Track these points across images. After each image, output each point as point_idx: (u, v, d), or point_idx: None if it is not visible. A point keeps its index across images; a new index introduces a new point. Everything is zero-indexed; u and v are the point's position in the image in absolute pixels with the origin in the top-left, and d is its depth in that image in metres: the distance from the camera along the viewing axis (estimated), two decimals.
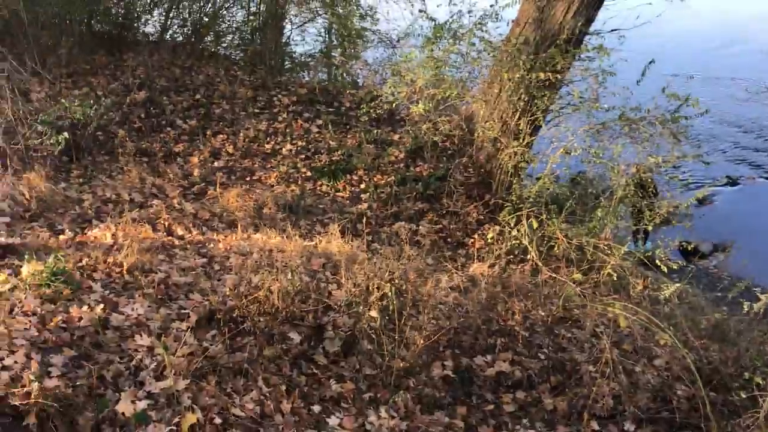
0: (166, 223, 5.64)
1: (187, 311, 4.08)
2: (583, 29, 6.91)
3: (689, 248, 9.10)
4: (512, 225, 6.21)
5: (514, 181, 6.86)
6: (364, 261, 4.92)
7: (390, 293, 4.27)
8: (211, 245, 5.33)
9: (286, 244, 5.34)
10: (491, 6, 7.16)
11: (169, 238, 5.37)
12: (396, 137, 8.24)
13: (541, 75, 6.58)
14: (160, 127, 7.99)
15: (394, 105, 7.92)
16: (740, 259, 9.11)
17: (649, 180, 7.32)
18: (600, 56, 6.69)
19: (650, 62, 6.66)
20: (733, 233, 10.15)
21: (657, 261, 6.15)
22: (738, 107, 13.91)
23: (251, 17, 10.33)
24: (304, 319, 4.24)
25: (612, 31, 7.14)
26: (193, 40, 10.30)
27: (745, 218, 10.67)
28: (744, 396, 4.05)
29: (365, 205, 7.01)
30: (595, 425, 4.04)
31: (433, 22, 7.35)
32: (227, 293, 4.31)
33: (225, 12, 10.61)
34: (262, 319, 4.05)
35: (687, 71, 8.14)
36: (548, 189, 6.55)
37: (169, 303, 4.22)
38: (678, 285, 5.99)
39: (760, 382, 4.17)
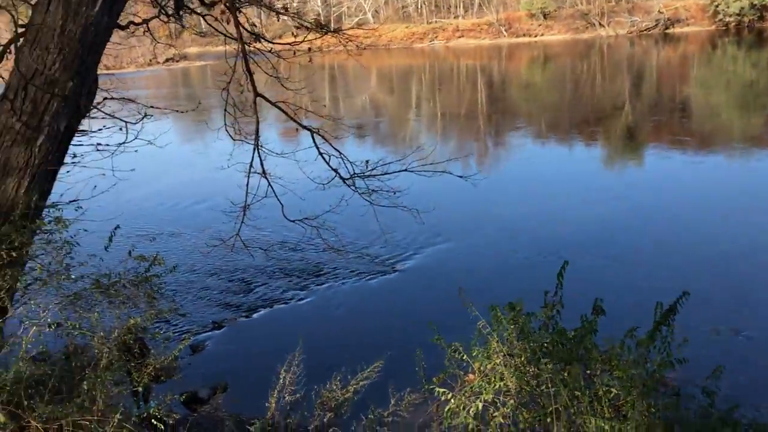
0: None
1: None
2: (39, 203, 6.82)
3: (185, 398, 9.43)
4: None
5: None
6: None
7: None
8: None
9: None
10: None
11: None
12: None
13: None
14: None
15: None
16: (233, 396, 9.89)
17: (134, 341, 7.44)
18: (60, 228, 6.66)
19: (116, 228, 6.93)
20: (226, 373, 10.98)
21: (153, 420, 6.21)
22: (205, 260, 15.45)
23: None
24: None
25: (70, 202, 7.22)
26: None
27: (235, 357, 11.69)
28: None
29: None
30: None
31: None
32: None
33: None
34: None
35: (152, 232, 8.77)
36: (26, 372, 6.04)
37: None
38: None
39: None
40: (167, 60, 79.36)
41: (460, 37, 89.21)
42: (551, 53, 71.52)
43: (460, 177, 9.21)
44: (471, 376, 4.97)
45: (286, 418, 6.66)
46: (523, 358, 4.20)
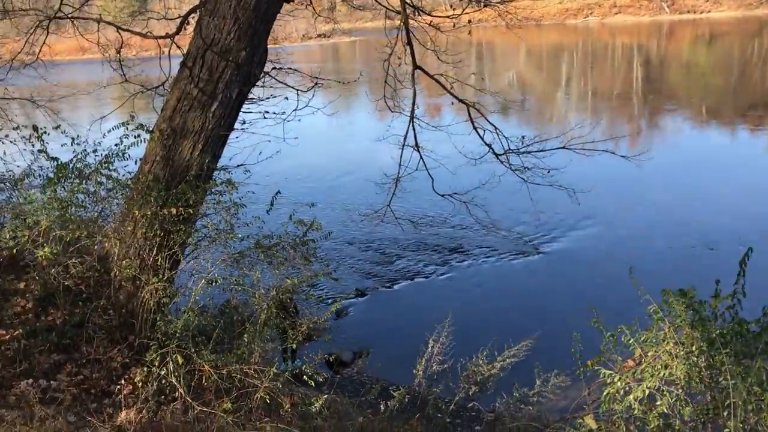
0: None
1: None
2: (212, 165, 7.29)
3: (332, 360, 9.79)
4: (158, 364, 6.00)
5: (158, 318, 6.69)
6: None
7: None
8: None
9: None
10: (116, 145, 7.12)
11: None
12: (21, 285, 7.43)
13: (174, 210, 6.68)
14: None
15: (15, 250, 7.21)
16: (376, 362, 10.14)
17: (289, 300, 7.82)
18: (230, 190, 7.09)
19: (277, 193, 7.29)
20: (368, 339, 11.27)
21: (305, 377, 6.52)
22: (355, 229, 15.89)
23: None
24: None
25: (239, 166, 7.66)
26: None
27: (376, 324, 11.97)
28: None
29: None
30: None
31: (56, 162, 7.02)
32: None
33: None
34: None
35: (309, 199, 9.14)
36: (194, 322, 6.53)
37: None
38: (325, 396, 6.41)
39: None
40: (319, 35, 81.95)
41: (617, 13, 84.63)
42: (718, 31, 66.14)
43: (624, 157, 8.79)
44: (630, 362, 4.76)
45: (431, 387, 6.75)
46: (694, 347, 3.96)
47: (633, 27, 75.96)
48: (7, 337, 6.53)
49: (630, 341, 4.44)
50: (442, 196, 9.10)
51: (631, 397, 4.16)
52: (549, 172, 8.65)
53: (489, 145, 8.62)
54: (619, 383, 4.30)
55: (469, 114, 8.61)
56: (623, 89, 37.79)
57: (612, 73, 45.06)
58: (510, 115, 26.41)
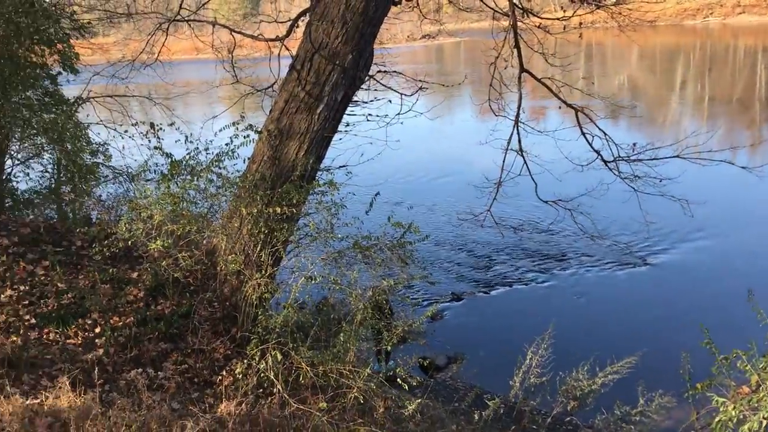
0: None
1: None
2: (315, 166, 7.43)
3: (426, 363, 9.75)
4: (258, 358, 6.17)
5: (260, 313, 6.89)
6: (98, 416, 4.50)
7: None
8: None
9: (3, 405, 4.70)
10: (227, 144, 7.39)
11: None
12: (134, 275, 7.85)
13: (278, 209, 6.85)
14: None
15: (130, 242, 7.62)
16: (471, 368, 10.01)
17: (385, 302, 7.85)
18: (331, 191, 7.19)
19: (376, 194, 7.32)
20: (463, 344, 11.14)
21: (398, 379, 6.52)
22: (453, 232, 15.78)
23: None
24: None
25: (341, 167, 7.76)
26: None
27: (472, 330, 11.83)
28: None
29: (101, 351, 6.47)
30: None
31: (170, 158, 7.35)
32: None
33: None
34: None
35: (408, 201, 9.15)
36: (293, 318, 6.67)
37: None
38: (419, 401, 6.38)
39: None
40: (424, 36, 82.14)
41: (740, 13, 79.59)
42: None
43: (743, 168, 8.23)
44: (745, 388, 4.44)
45: (527, 399, 6.58)
46: None
47: (758, 28, 71.29)
48: (120, 324, 6.91)
49: (746, 367, 4.13)
50: (546, 202, 8.86)
51: (746, 427, 3.88)
52: (661, 181, 8.24)
53: (597, 152, 8.31)
54: (732, 411, 4.02)
55: (577, 119, 8.33)
56: (744, 95, 35.55)
57: (732, 77, 42.49)
58: (620, 120, 25.42)
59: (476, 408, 6.69)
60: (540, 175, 8.93)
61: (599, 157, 8.28)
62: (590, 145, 8.28)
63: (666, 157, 8.00)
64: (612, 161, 8.19)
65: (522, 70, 8.21)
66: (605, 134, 8.26)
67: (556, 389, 6.54)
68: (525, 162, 8.63)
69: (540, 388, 6.42)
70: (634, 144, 8.24)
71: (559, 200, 8.81)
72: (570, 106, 8.36)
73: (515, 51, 8.16)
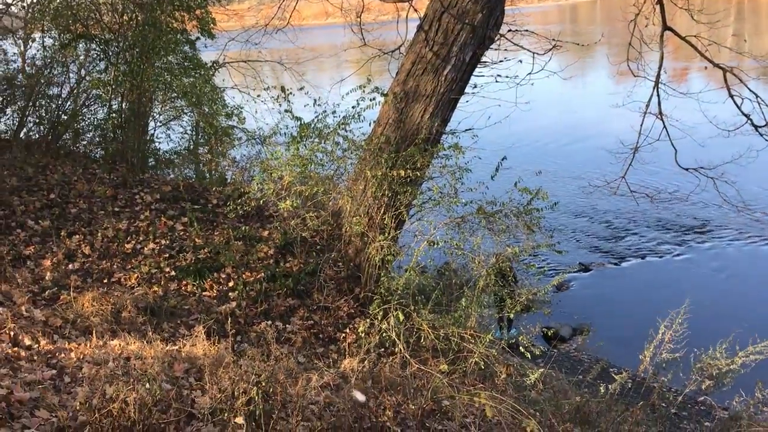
0: (11, 333, 5.19)
1: (31, 430, 3.71)
2: (440, 129, 7.33)
3: (550, 333, 9.52)
4: (380, 318, 6.25)
5: (382, 274, 6.97)
6: (230, 364, 4.74)
7: (256, 397, 4.11)
8: (62, 355, 4.93)
9: (146, 349, 5.06)
10: (353, 107, 7.44)
11: (15, 349, 4.92)
12: (265, 233, 8.18)
13: (402, 172, 6.85)
14: (8, 229, 7.48)
15: (262, 201, 7.92)
16: (597, 341, 9.67)
17: (509, 269, 7.69)
18: (456, 154, 7.07)
19: (503, 159, 7.12)
20: (589, 316, 10.78)
21: (521, 347, 6.39)
22: (583, 200, 15.17)
23: (113, 114, 10.12)
24: (166, 430, 3.98)
25: (466, 130, 7.60)
26: (49, 138, 9.90)
27: (599, 302, 11.41)
28: None
29: (234, 304, 6.82)
30: None
31: (299, 122, 7.53)
32: (77, 407, 3.97)
33: (85, 110, 10.34)
34: None
35: (536, 166, 8.87)
36: (415, 281, 6.69)
37: (11, 423, 3.83)
38: (541, 370, 6.23)
39: None
40: None
41: None
42: None
43: None
44: None
45: (657, 375, 6.25)
46: None
47: None
48: (252, 279, 7.23)
49: None
50: (687, 170, 8.26)
51: None
52: None
53: (747, 116, 7.61)
54: None
55: (725, 80, 7.66)
56: None
57: None
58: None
59: (602, 381, 6.43)
60: (681, 141, 8.33)
61: (749, 121, 7.58)
62: (739, 108, 7.60)
63: None
64: (764, 126, 7.48)
65: (665, 27, 7.62)
66: (757, 96, 7.54)
67: (689, 367, 6.14)
68: (665, 126, 8.07)
69: (672, 365, 6.05)
70: None
71: (702, 168, 8.19)
72: (717, 65, 7.69)
73: (657, 7, 7.58)
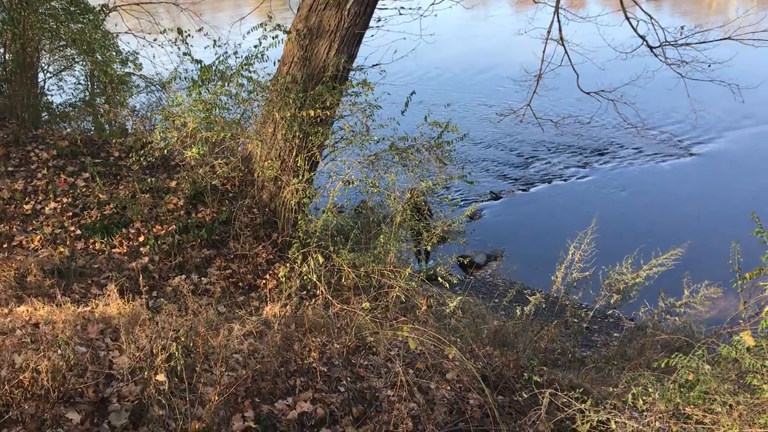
0: None
1: None
2: (347, 65, 7.19)
3: (466, 262, 9.79)
4: (300, 261, 6.22)
5: (299, 218, 6.90)
6: (146, 321, 4.61)
7: (176, 352, 4.03)
8: None
9: (56, 313, 4.84)
10: (255, 47, 7.16)
11: None
12: (173, 184, 7.89)
13: (312, 112, 6.71)
14: None
15: (166, 151, 7.61)
16: (510, 265, 10.03)
17: (423, 203, 7.78)
18: (365, 91, 6.98)
19: (411, 93, 7.09)
20: (502, 242, 11.14)
21: (439, 278, 6.54)
22: (491, 129, 15.43)
23: None
24: (83, 394, 3.85)
25: (374, 66, 7.50)
26: None
27: (511, 228, 11.78)
28: (526, 396, 4.38)
29: (146, 259, 6.61)
30: None
31: (200, 65, 7.20)
32: None
33: None
34: (29, 405, 3.61)
35: (444, 99, 8.88)
36: (333, 222, 6.67)
37: None
38: (460, 298, 6.41)
39: (538, 380, 4.54)
40: None
41: None
42: None
43: None
44: None
45: (569, 294, 6.56)
46: None
47: None
48: (163, 232, 7.01)
49: None
50: (588, 93, 8.50)
51: None
52: (710, 66, 7.79)
53: (642, 37, 7.84)
54: None
55: (621, 2, 7.83)
56: None
57: None
58: (668, 1, 24.05)
59: (517, 304, 6.70)
60: (582, 65, 8.53)
61: (644, 42, 7.82)
62: (635, 30, 7.81)
63: (716, 40, 7.52)
64: (658, 46, 7.73)
65: None
66: (651, 18, 7.76)
67: (598, 284, 6.48)
68: (566, 51, 8.22)
69: (582, 283, 6.36)
70: (682, 27, 7.75)
71: (602, 90, 8.45)
72: None
73: None
